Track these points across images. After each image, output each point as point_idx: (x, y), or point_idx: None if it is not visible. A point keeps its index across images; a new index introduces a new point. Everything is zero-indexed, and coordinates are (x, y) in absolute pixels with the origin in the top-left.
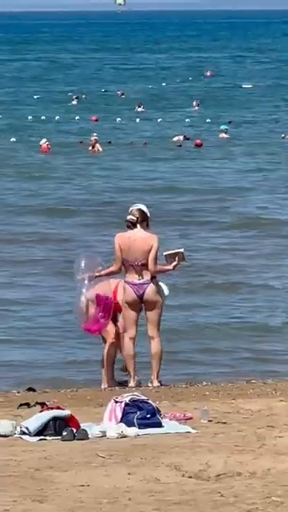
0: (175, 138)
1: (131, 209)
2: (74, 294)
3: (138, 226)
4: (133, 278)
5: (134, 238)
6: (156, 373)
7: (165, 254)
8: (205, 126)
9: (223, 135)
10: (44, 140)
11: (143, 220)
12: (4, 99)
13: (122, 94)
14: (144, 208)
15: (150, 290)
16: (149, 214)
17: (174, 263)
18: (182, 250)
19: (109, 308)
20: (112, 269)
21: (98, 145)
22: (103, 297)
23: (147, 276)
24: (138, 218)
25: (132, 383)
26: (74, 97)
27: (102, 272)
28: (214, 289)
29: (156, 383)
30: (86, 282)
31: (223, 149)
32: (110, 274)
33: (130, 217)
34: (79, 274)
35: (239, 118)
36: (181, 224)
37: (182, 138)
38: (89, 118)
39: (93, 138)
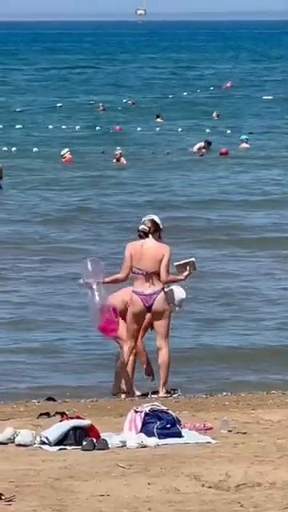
0: (196, 146)
1: (144, 219)
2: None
3: (150, 236)
4: (142, 287)
5: (145, 247)
6: (163, 382)
7: (176, 264)
8: (225, 137)
9: (244, 145)
10: (66, 150)
11: (155, 230)
12: (27, 108)
13: (133, 104)
14: (156, 219)
15: (159, 301)
16: (161, 225)
17: (186, 273)
18: (192, 259)
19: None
20: (118, 276)
21: (122, 158)
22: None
23: (157, 286)
24: (150, 228)
25: (131, 393)
26: (101, 107)
27: (107, 279)
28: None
29: (162, 393)
30: (95, 286)
31: (247, 159)
32: (115, 282)
33: (142, 226)
34: (87, 276)
35: (260, 129)
36: (218, 239)
37: (203, 143)
38: (111, 127)
39: (117, 152)
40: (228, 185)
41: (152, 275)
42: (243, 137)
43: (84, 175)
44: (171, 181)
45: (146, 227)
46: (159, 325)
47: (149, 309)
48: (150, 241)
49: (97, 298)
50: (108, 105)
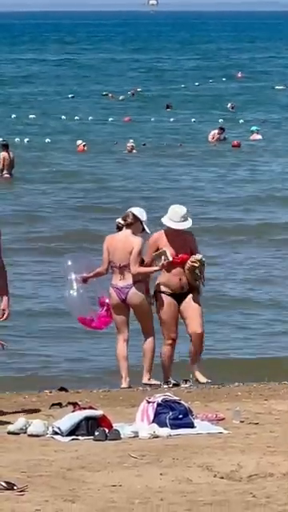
0: (210, 134)
1: (127, 211)
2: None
3: (124, 228)
4: (116, 280)
5: (117, 240)
6: (146, 369)
7: (153, 254)
8: (238, 127)
9: (255, 136)
10: (80, 141)
11: (133, 223)
12: (39, 98)
13: (133, 94)
14: (136, 211)
15: (131, 295)
16: (143, 218)
17: (161, 263)
18: (164, 249)
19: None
20: (98, 269)
21: (134, 151)
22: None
23: (129, 280)
24: (125, 220)
25: (124, 384)
26: (121, 98)
27: (91, 273)
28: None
29: (145, 380)
30: (74, 280)
31: (262, 151)
32: (97, 275)
33: (118, 220)
34: (69, 273)
35: (273, 120)
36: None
37: (217, 130)
38: (122, 119)
39: (129, 144)
40: (241, 179)
41: (124, 268)
42: (254, 128)
43: (97, 167)
44: (184, 174)
45: (121, 220)
46: (138, 318)
47: (124, 301)
48: (122, 233)
49: (73, 292)
50: (119, 95)
